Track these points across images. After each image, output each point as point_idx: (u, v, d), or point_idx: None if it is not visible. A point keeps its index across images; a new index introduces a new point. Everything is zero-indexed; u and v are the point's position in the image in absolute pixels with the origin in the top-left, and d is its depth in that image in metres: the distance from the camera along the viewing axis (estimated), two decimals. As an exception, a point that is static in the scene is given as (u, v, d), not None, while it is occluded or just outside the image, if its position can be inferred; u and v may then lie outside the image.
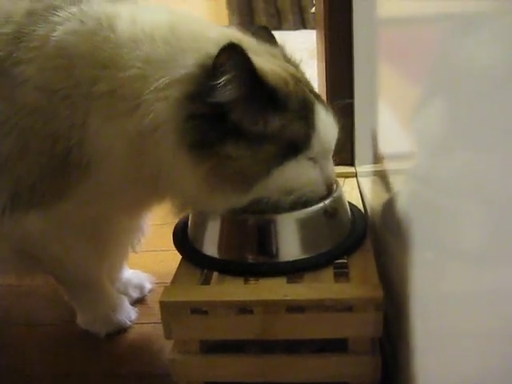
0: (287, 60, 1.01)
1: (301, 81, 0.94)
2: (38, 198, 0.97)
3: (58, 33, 0.90)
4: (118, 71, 0.88)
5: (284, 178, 0.89)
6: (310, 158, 0.92)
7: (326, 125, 0.93)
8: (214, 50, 0.83)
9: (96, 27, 0.91)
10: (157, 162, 0.90)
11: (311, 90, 0.96)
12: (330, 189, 0.98)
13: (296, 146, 0.89)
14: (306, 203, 0.94)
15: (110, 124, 0.90)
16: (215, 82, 0.82)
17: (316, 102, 0.93)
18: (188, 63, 0.86)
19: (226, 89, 0.82)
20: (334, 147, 0.97)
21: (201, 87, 0.84)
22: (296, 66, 1.01)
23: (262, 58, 0.92)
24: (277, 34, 1.10)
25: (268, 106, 0.86)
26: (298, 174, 0.91)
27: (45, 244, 1.05)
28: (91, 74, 0.89)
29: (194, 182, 0.89)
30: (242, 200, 0.91)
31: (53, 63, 0.90)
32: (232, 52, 0.81)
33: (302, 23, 3.49)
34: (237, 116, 0.85)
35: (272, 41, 1.06)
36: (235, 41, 0.83)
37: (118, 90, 0.89)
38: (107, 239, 1.19)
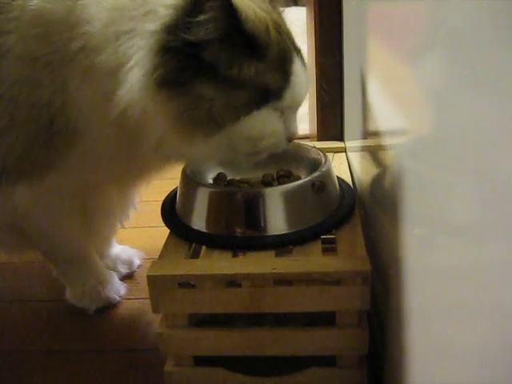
0: (272, 5, 0.97)
1: (282, 29, 0.92)
2: (26, 170, 0.96)
3: (36, 1, 0.89)
4: (86, 27, 0.87)
5: (251, 125, 0.88)
6: (277, 109, 0.90)
7: (301, 79, 0.91)
8: None
9: None
10: (128, 104, 0.86)
11: (292, 41, 0.93)
12: (289, 143, 0.97)
13: (267, 95, 0.88)
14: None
15: (87, 82, 0.89)
16: (192, 19, 0.80)
17: (295, 55, 0.91)
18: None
19: (202, 28, 0.80)
20: (303, 102, 0.96)
21: (179, 20, 0.82)
22: (279, 13, 0.98)
23: None
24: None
25: (245, 52, 0.84)
26: (265, 123, 0.89)
27: (33, 217, 1.05)
28: (65, 36, 0.88)
29: (162, 123, 0.87)
30: (209, 145, 0.89)
31: (32, 32, 0.89)
32: None
33: (293, 0, 3.47)
34: (211, 57, 0.83)
35: None
36: None
37: (88, 43, 0.87)
38: (95, 213, 1.19)
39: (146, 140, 0.91)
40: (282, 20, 0.97)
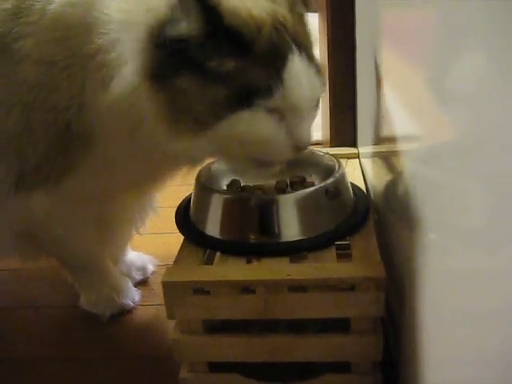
0: (291, 5, 0.92)
1: (287, 29, 0.87)
2: (43, 176, 0.96)
3: (55, 5, 0.90)
4: (102, 27, 0.87)
5: (235, 126, 0.84)
6: (273, 111, 0.85)
7: (300, 78, 0.86)
8: None
9: None
10: (118, 94, 0.87)
11: (300, 42, 0.88)
12: (298, 153, 0.92)
13: (252, 93, 0.84)
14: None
15: (103, 84, 0.89)
16: (172, 17, 0.81)
17: (296, 53, 0.86)
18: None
19: (181, 24, 0.81)
20: (310, 106, 0.90)
21: (168, 16, 0.82)
22: (300, 16, 0.94)
23: None
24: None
25: (227, 46, 0.82)
26: (252, 126, 0.85)
27: (48, 224, 1.06)
28: (81, 39, 0.89)
29: (152, 115, 0.86)
30: (195, 143, 0.87)
31: (51, 36, 0.90)
32: None
33: (305, 6, 3.47)
34: (195, 52, 0.82)
35: None
36: None
37: (103, 44, 0.87)
38: (110, 221, 1.19)
39: (144, 135, 0.90)
40: (298, 20, 0.92)
